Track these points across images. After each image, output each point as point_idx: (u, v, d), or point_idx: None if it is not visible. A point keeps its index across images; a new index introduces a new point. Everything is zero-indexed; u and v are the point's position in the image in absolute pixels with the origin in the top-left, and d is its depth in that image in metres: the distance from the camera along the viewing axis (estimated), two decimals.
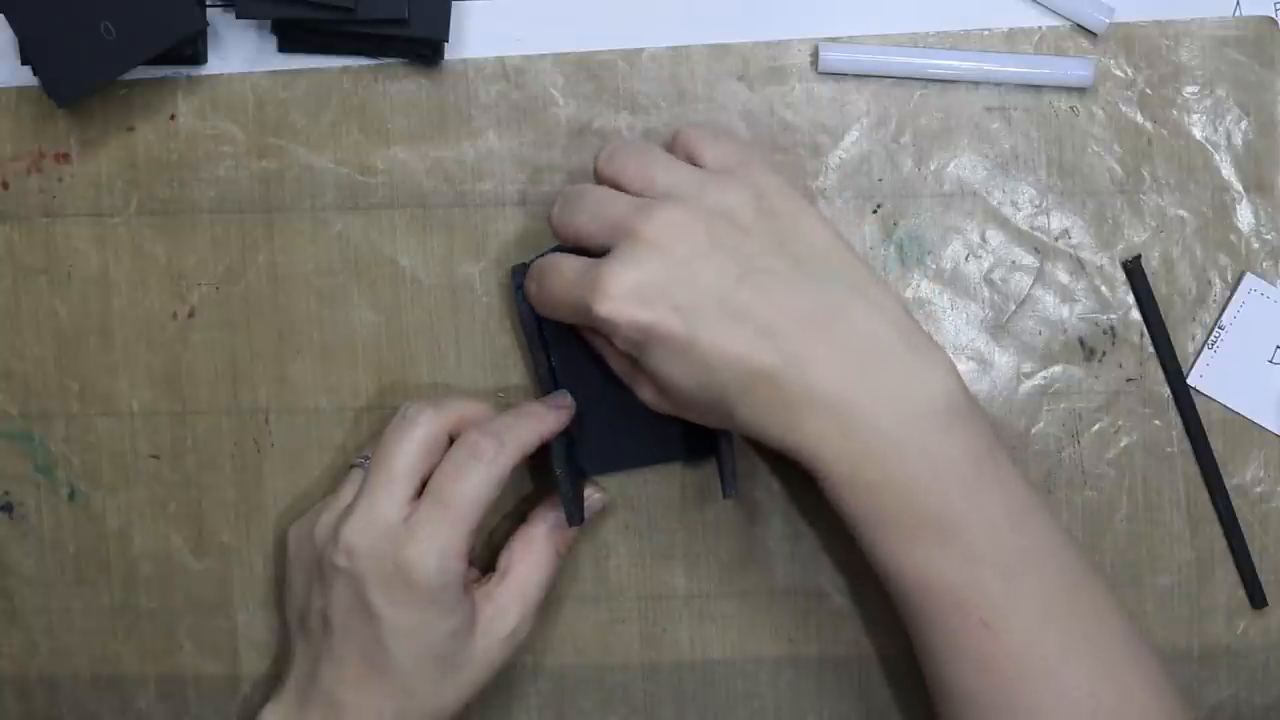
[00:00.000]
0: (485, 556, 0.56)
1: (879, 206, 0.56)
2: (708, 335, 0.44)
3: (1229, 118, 0.56)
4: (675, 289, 0.45)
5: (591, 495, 0.55)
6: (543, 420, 0.51)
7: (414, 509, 0.49)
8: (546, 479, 0.56)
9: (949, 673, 0.47)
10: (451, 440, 0.51)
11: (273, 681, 0.56)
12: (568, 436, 0.54)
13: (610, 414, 0.55)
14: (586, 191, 0.48)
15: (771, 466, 0.56)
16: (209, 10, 0.55)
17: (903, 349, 0.46)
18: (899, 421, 0.45)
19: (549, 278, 0.48)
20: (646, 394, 0.49)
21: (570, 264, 0.48)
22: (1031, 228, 0.56)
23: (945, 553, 0.45)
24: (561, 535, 0.53)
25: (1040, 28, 0.56)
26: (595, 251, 0.47)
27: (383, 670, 0.48)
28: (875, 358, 0.45)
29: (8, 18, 0.51)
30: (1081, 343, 0.56)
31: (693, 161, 0.49)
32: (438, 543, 0.48)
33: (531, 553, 0.53)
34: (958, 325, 0.56)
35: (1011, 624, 0.45)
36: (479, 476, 0.49)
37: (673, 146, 0.50)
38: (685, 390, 0.46)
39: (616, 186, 0.48)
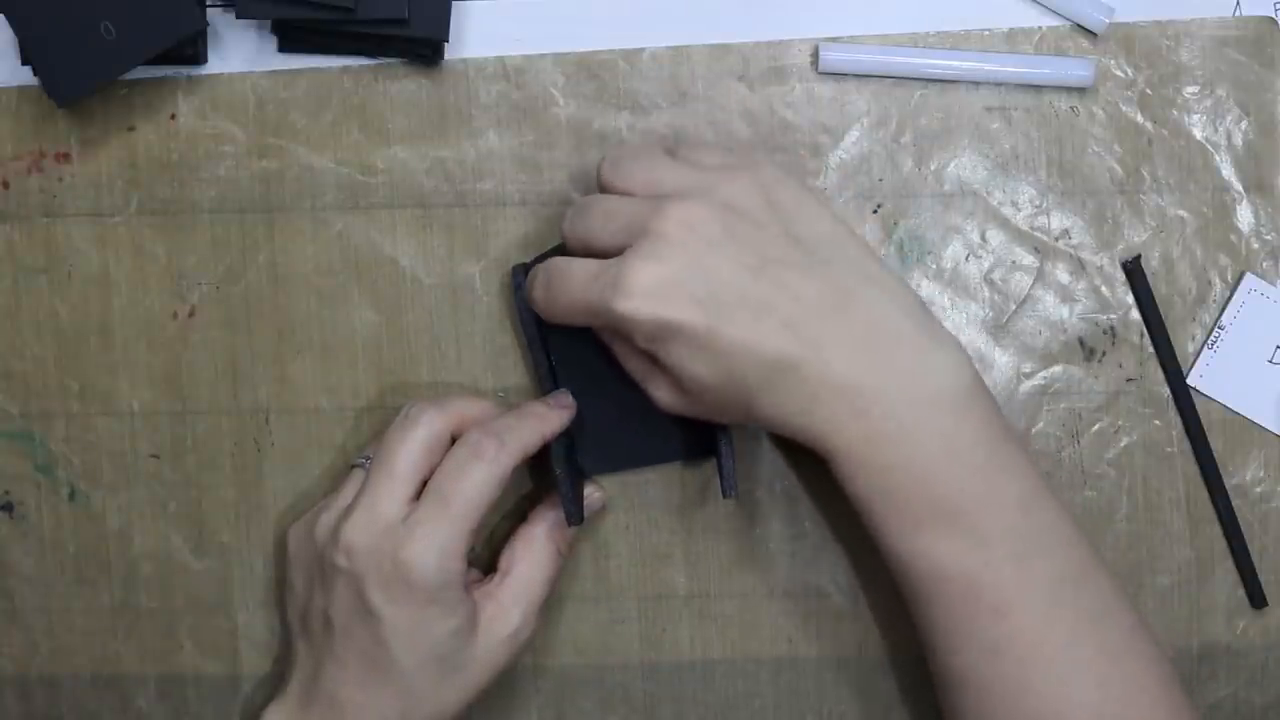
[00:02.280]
0: (485, 556, 0.56)
1: (879, 206, 0.56)
2: (729, 328, 0.45)
3: (1229, 118, 0.56)
4: (695, 283, 0.45)
5: (591, 495, 0.55)
6: (544, 420, 0.51)
7: (414, 508, 0.49)
8: (546, 479, 0.56)
9: (958, 660, 0.47)
10: (454, 440, 0.51)
11: (273, 681, 0.56)
12: (568, 436, 0.54)
13: (610, 414, 0.55)
14: (596, 200, 0.48)
15: (772, 467, 0.56)
16: (209, 10, 0.55)
17: (915, 334, 0.46)
18: (912, 404, 0.45)
19: (560, 281, 0.48)
20: (662, 393, 0.49)
21: (581, 266, 0.47)
22: (1032, 228, 0.56)
23: (956, 537, 0.45)
24: (562, 534, 0.53)
25: (1040, 28, 0.56)
26: (607, 256, 0.47)
27: (385, 670, 0.48)
28: (889, 343, 0.46)
29: (8, 18, 0.51)
30: (1081, 343, 0.56)
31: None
32: (437, 542, 0.48)
33: (533, 552, 0.53)
34: (958, 325, 0.56)
35: (1022, 609, 0.45)
36: (480, 476, 0.49)
37: (674, 154, 0.50)
38: (706, 384, 0.46)
39: (624, 193, 0.48)
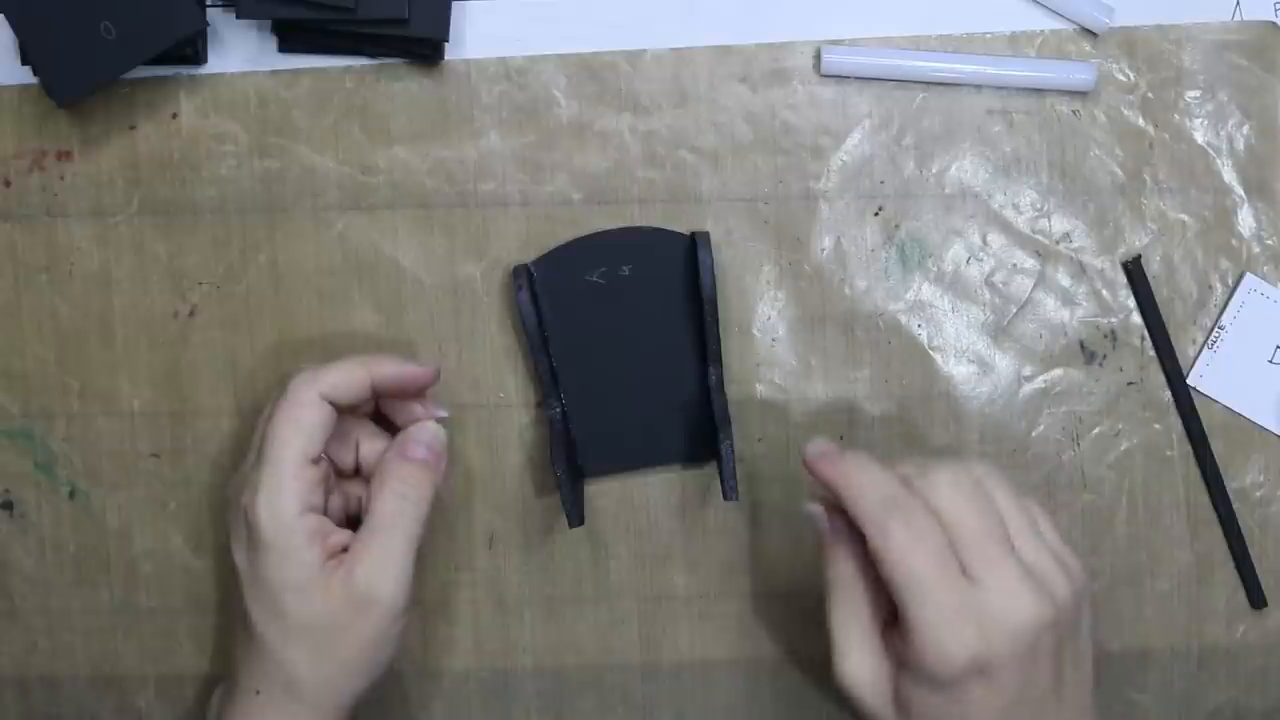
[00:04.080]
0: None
1: (881, 209, 0.56)
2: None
3: (1230, 121, 0.56)
4: (1016, 650, 0.44)
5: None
6: (379, 361, 0.50)
7: None
8: (546, 479, 0.56)
9: None
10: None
11: None
12: (567, 436, 0.54)
13: (610, 415, 0.55)
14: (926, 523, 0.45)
15: (772, 469, 0.56)
16: (209, 10, 0.55)
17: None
18: None
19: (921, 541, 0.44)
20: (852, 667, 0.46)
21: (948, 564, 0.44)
22: (1033, 231, 0.56)
23: None
24: (415, 473, 0.50)
25: (1042, 31, 0.56)
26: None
27: (247, 628, 0.49)
28: None
29: (8, 18, 0.51)
30: (1082, 346, 0.56)
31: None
32: (262, 481, 0.48)
33: (382, 497, 0.50)
34: (959, 328, 0.56)
35: None
36: (283, 409, 0.49)
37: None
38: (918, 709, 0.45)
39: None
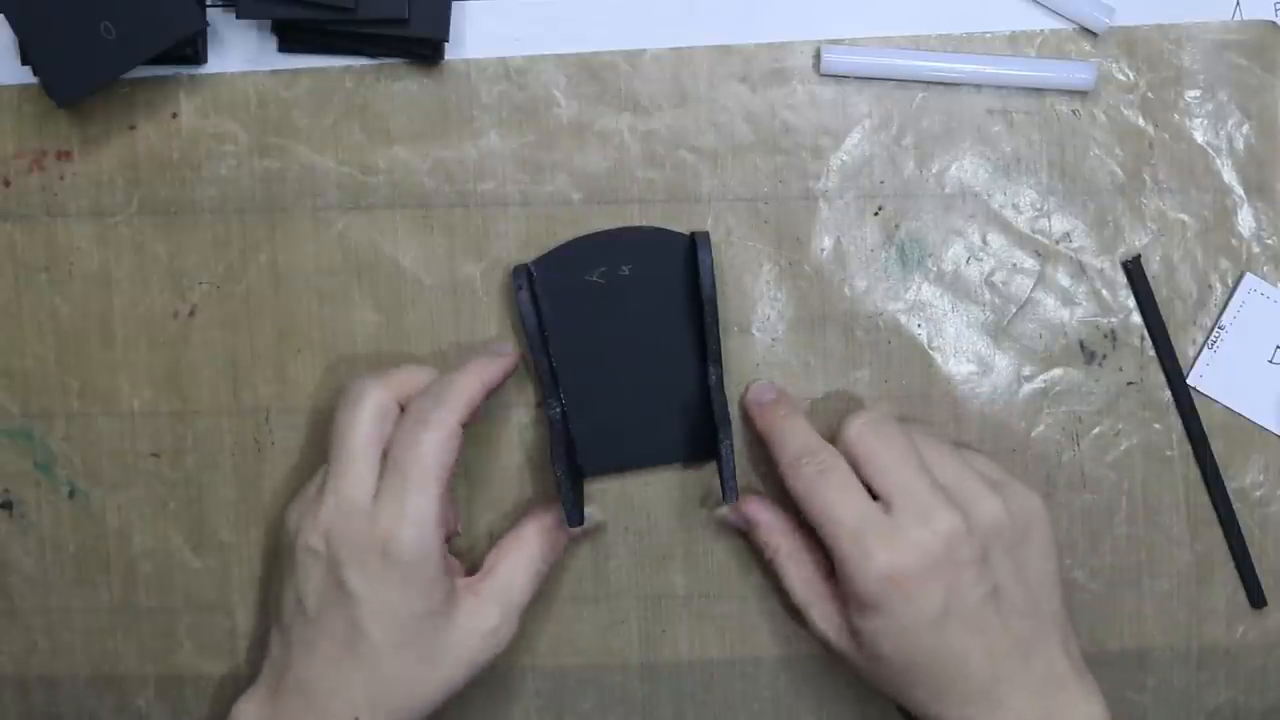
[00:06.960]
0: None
1: (880, 209, 0.56)
2: (947, 634, 0.48)
3: (1230, 121, 0.56)
4: (937, 579, 0.48)
5: (591, 514, 0.55)
6: (484, 369, 0.52)
7: (380, 486, 0.49)
8: (546, 479, 0.56)
9: None
10: (403, 409, 0.51)
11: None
12: (567, 436, 0.54)
13: (611, 415, 0.55)
14: (844, 471, 0.50)
15: (772, 468, 0.56)
16: (209, 10, 0.55)
17: (1077, 682, 0.49)
18: None
19: (829, 486, 0.49)
20: (826, 620, 0.51)
21: (857, 495, 0.49)
22: (1033, 230, 0.56)
23: None
24: (553, 536, 0.53)
25: (1042, 30, 0.56)
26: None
27: (357, 654, 0.48)
28: (1055, 687, 0.49)
29: (8, 18, 0.51)
30: (1082, 346, 0.56)
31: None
32: (409, 511, 0.48)
33: (519, 550, 0.52)
34: (958, 328, 0.56)
35: None
36: (428, 439, 0.49)
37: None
38: (881, 650, 0.49)
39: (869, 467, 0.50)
